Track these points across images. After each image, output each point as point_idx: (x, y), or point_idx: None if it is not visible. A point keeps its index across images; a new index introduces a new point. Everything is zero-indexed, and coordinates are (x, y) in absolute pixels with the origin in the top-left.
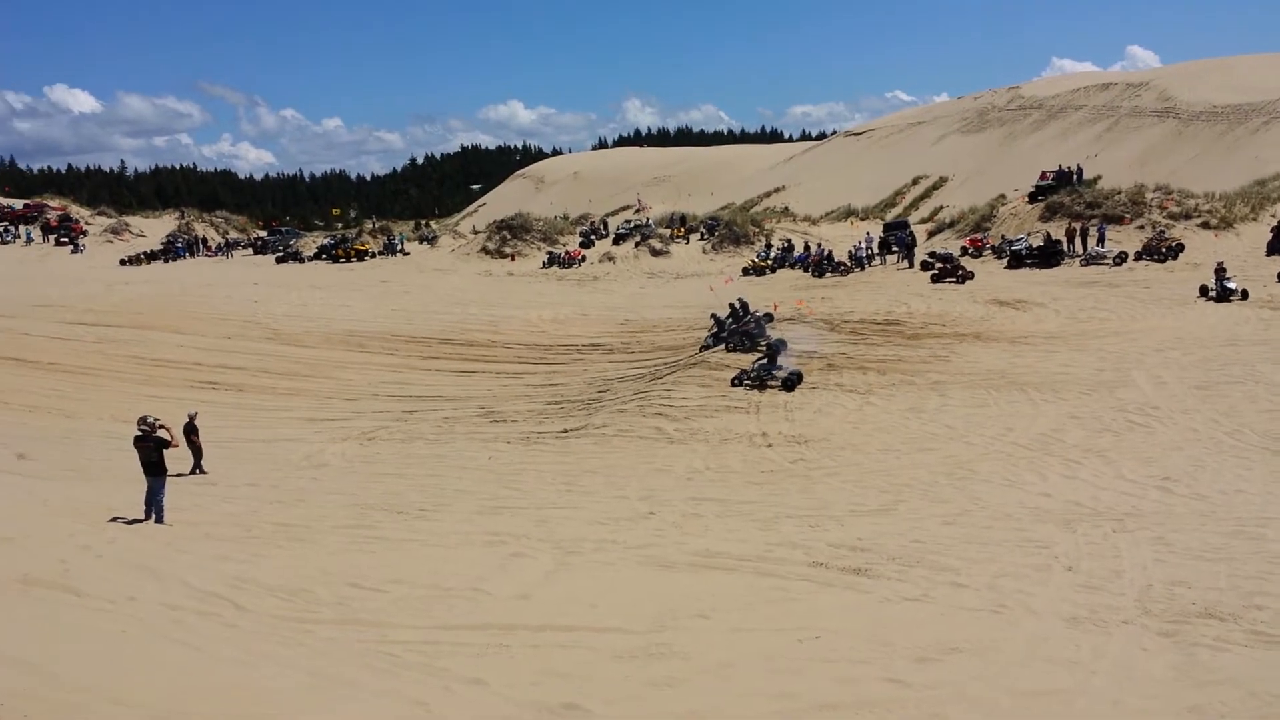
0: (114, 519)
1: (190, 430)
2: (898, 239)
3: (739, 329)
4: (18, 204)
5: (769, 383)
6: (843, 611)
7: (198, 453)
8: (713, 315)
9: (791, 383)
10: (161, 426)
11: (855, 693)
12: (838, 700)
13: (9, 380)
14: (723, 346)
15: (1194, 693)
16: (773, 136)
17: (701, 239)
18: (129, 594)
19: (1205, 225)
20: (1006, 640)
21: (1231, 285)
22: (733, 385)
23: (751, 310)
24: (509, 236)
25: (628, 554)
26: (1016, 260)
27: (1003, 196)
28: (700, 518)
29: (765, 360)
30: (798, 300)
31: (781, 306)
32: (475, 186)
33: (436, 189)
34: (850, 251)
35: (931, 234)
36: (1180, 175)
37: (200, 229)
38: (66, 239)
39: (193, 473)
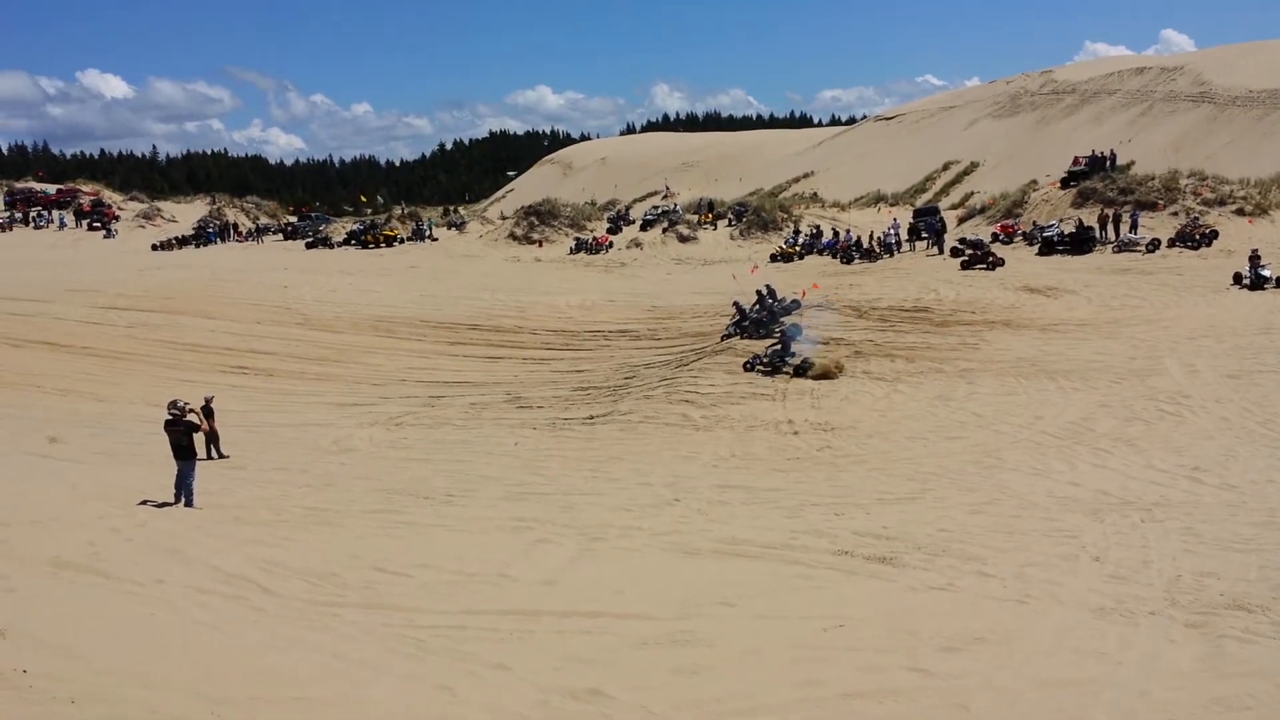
0: (143, 502)
1: (206, 414)
2: (928, 225)
3: (755, 317)
4: (51, 189)
5: (781, 368)
6: (868, 600)
7: (213, 438)
8: (735, 303)
9: (804, 369)
10: (191, 410)
11: (880, 681)
12: (862, 689)
13: (42, 364)
14: (742, 334)
15: (1221, 684)
16: (802, 121)
17: (729, 225)
18: (157, 577)
19: (1240, 212)
20: (1032, 630)
21: (1266, 273)
22: (745, 370)
23: (779, 297)
24: (536, 222)
25: (653, 541)
26: (1048, 247)
27: (1034, 182)
28: (726, 505)
29: (779, 346)
30: (812, 284)
31: (809, 293)
32: (510, 173)
33: (465, 175)
34: (879, 237)
35: (962, 220)
36: (1215, 161)
37: (231, 214)
38: (99, 224)
39: (209, 458)
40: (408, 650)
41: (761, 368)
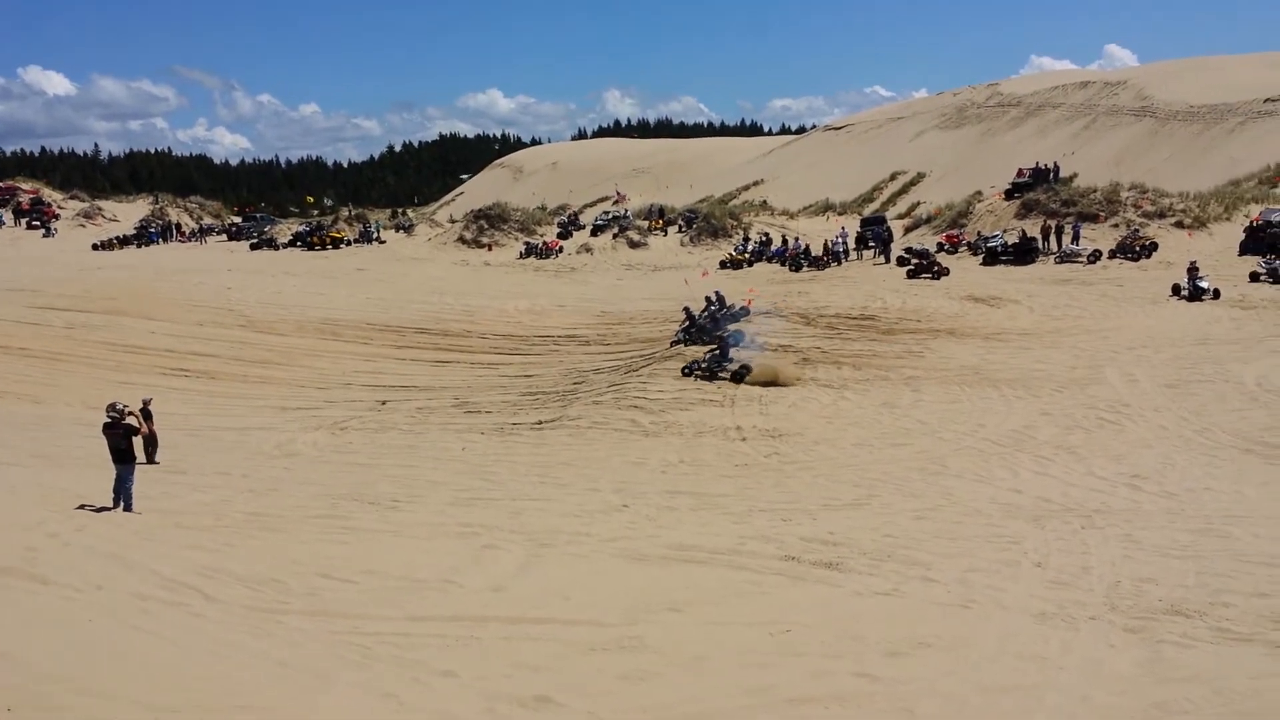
0: (82, 506)
1: (144, 417)
2: (874, 234)
3: (702, 324)
4: None
5: (719, 374)
6: (814, 605)
7: (151, 442)
8: (685, 309)
9: (741, 375)
10: (131, 414)
11: (827, 686)
12: (809, 694)
13: None
14: (689, 341)
15: (1160, 689)
16: (752, 129)
17: (680, 231)
18: (97, 583)
19: (1179, 224)
20: (976, 635)
21: (1204, 284)
22: (683, 375)
23: (728, 304)
24: (486, 226)
25: (601, 547)
26: (992, 257)
27: (979, 193)
28: (674, 511)
29: (717, 352)
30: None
31: (755, 301)
32: (464, 176)
33: (414, 177)
34: (826, 245)
35: (908, 229)
36: (1156, 174)
37: (174, 214)
38: (38, 222)
39: (147, 463)
40: (353, 657)
41: (699, 373)
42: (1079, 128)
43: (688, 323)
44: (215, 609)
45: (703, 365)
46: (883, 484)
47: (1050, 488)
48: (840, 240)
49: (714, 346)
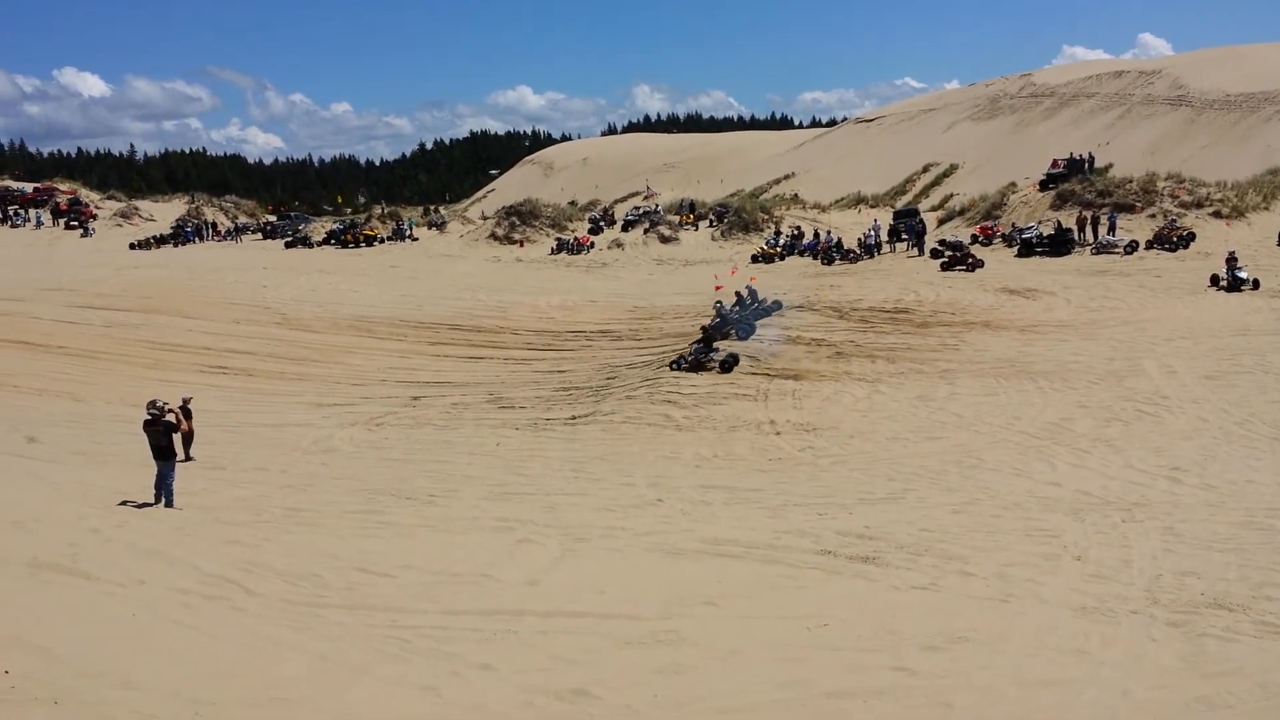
0: (123, 503)
1: (184, 415)
2: (908, 226)
3: (718, 321)
4: (28, 187)
5: (705, 365)
6: (851, 600)
7: (188, 439)
8: (717, 304)
9: (729, 364)
10: (170, 411)
11: (863, 681)
12: (846, 688)
13: (18, 364)
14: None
15: (1202, 683)
16: (783, 123)
17: (710, 226)
18: (138, 578)
19: (1217, 214)
20: (1015, 629)
21: (1243, 275)
22: (671, 369)
23: (760, 298)
24: (517, 223)
25: (636, 541)
26: (1027, 248)
27: (1014, 184)
28: (708, 505)
29: (701, 344)
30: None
31: (787, 294)
32: (493, 171)
33: (445, 174)
34: (860, 239)
35: (942, 222)
36: (1192, 164)
37: (209, 213)
38: (76, 223)
39: (185, 459)
40: (391, 651)
41: (686, 365)
42: (1114, 118)
43: (701, 344)
44: (255, 603)
45: (688, 358)
46: (919, 478)
47: (1089, 481)
48: (872, 233)
49: (699, 340)
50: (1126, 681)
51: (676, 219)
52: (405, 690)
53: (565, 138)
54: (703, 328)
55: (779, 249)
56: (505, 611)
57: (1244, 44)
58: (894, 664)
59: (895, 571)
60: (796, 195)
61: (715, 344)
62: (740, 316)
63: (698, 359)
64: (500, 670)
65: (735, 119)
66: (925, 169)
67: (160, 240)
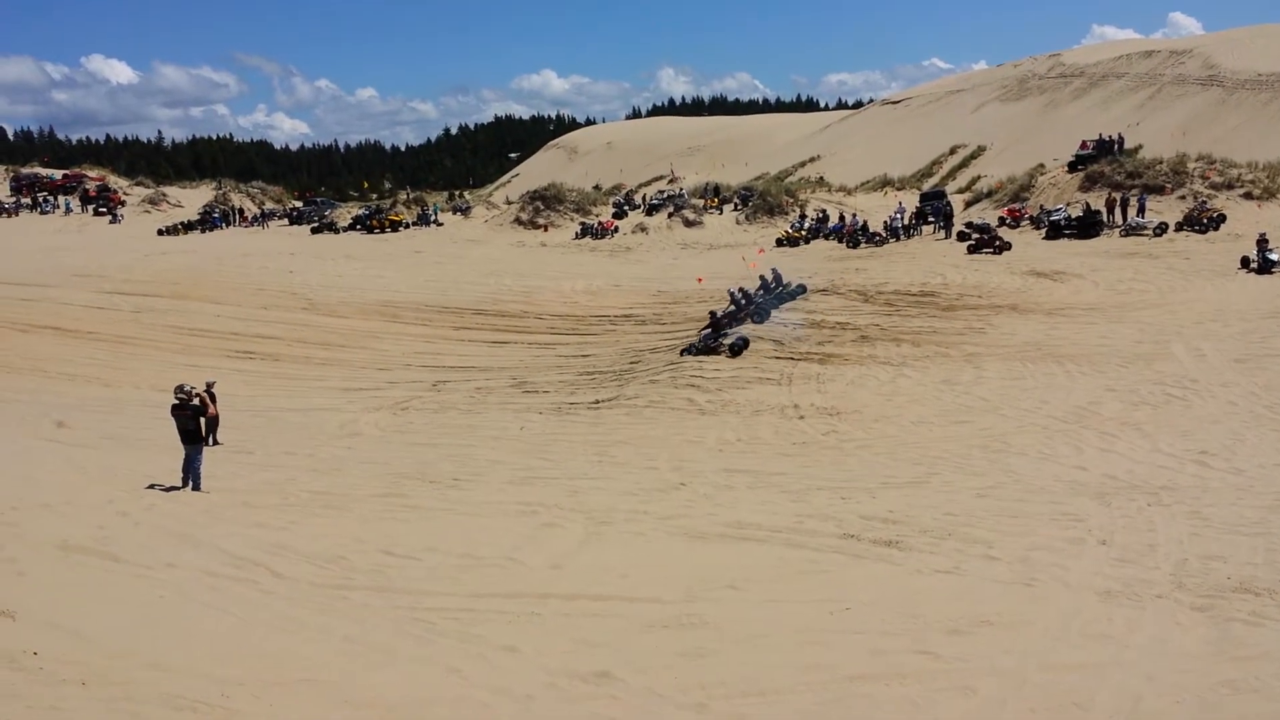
0: (151, 486)
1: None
2: (934, 209)
3: (747, 306)
4: (57, 174)
5: (716, 349)
6: (874, 583)
7: (213, 423)
8: (730, 290)
9: (738, 348)
10: (198, 395)
11: (886, 664)
12: (869, 671)
13: (48, 349)
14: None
15: (1229, 667)
16: (808, 105)
17: (735, 209)
18: (166, 560)
19: (1248, 196)
20: (1039, 614)
21: (1274, 257)
22: (681, 355)
23: (784, 282)
24: (542, 207)
25: (659, 525)
26: (1055, 231)
27: (1042, 166)
28: (731, 489)
29: (709, 330)
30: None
31: (816, 277)
32: (513, 155)
33: (470, 159)
34: (885, 222)
35: (969, 204)
36: (1223, 144)
37: (237, 199)
38: (105, 209)
39: (211, 444)
40: (417, 633)
41: (696, 350)
42: (1144, 98)
43: (734, 307)
44: (282, 585)
45: (698, 344)
46: (943, 462)
47: (1116, 465)
48: (898, 216)
49: (707, 325)
50: (1151, 666)
51: (701, 203)
52: (431, 672)
53: (589, 121)
54: (711, 313)
55: (804, 232)
56: (529, 595)
57: (1276, 23)
58: (917, 648)
59: (919, 555)
60: (822, 178)
61: (724, 329)
62: (759, 302)
63: (707, 344)
64: (524, 652)
65: (760, 102)
66: (952, 151)
67: (188, 226)
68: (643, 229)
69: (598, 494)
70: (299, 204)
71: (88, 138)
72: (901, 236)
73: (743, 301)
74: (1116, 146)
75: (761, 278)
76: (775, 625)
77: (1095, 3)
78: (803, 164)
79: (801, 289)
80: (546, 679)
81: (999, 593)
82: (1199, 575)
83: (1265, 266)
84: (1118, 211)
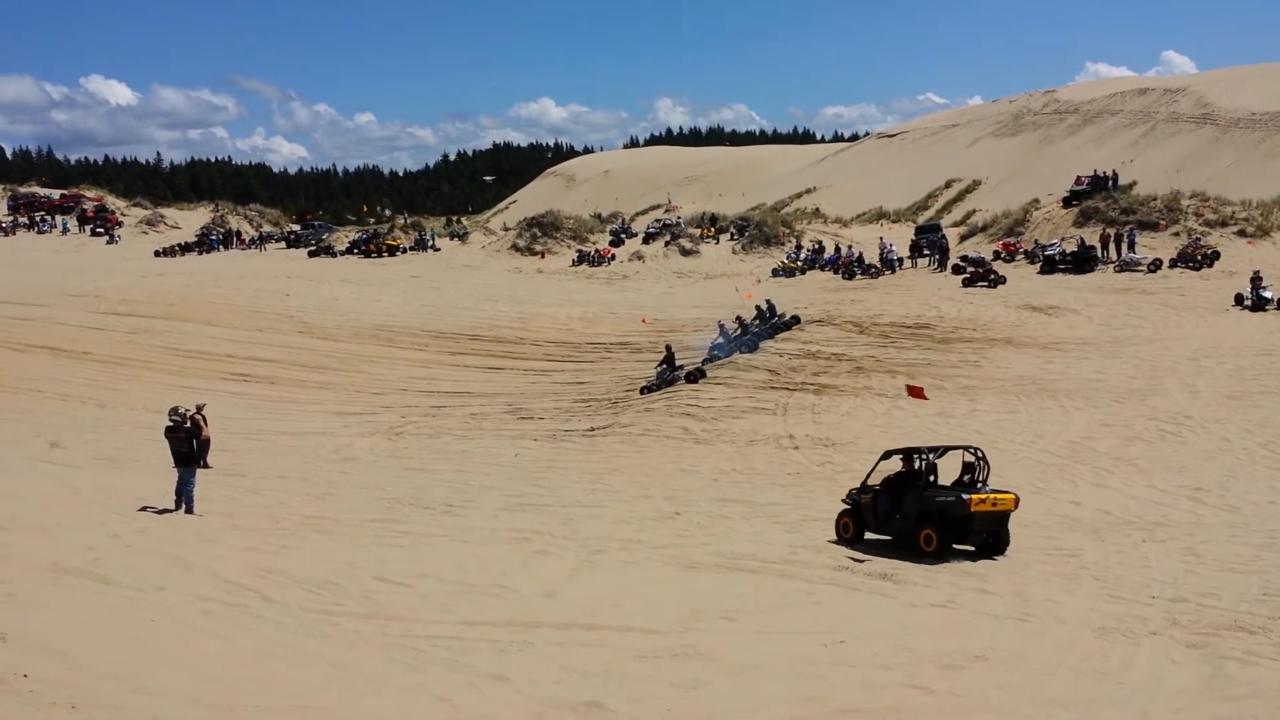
0: (144, 508)
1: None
2: (930, 242)
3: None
4: (54, 194)
5: (674, 380)
6: (868, 616)
7: (203, 446)
8: (719, 323)
9: (694, 376)
10: (192, 417)
11: (879, 698)
12: (861, 705)
13: (43, 369)
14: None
15: (1223, 705)
16: (804, 137)
17: (731, 239)
18: (158, 583)
19: (1241, 233)
20: (1033, 649)
21: (1268, 294)
22: (642, 393)
23: (779, 313)
24: (539, 234)
25: (653, 554)
26: (1050, 265)
27: (1037, 201)
28: (726, 519)
29: (664, 366)
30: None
31: (812, 308)
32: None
33: (468, 185)
34: (880, 254)
35: (964, 238)
36: (1217, 182)
37: (234, 222)
38: (102, 229)
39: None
40: (407, 660)
41: (656, 386)
42: (1138, 135)
43: (665, 364)
44: (273, 610)
45: (655, 382)
46: None
47: (1110, 500)
48: (889, 248)
49: (661, 362)
50: (1146, 703)
51: (697, 232)
52: (420, 700)
53: (587, 150)
54: (666, 346)
55: (800, 263)
56: (521, 623)
57: (1269, 63)
58: (910, 682)
59: (913, 589)
60: (818, 209)
61: (675, 364)
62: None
63: (664, 379)
64: (515, 681)
65: (757, 133)
66: (948, 184)
67: (185, 248)
68: (639, 257)
69: (591, 522)
70: (296, 227)
71: (86, 158)
72: (896, 268)
73: (767, 315)
74: (1111, 182)
75: (757, 307)
76: (768, 657)
77: (1089, 40)
78: (799, 195)
79: (796, 320)
80: (536, 709)
81: (993, 627)
82: (1194, 613)
83: (1259, 304)
84: (1112, 247)
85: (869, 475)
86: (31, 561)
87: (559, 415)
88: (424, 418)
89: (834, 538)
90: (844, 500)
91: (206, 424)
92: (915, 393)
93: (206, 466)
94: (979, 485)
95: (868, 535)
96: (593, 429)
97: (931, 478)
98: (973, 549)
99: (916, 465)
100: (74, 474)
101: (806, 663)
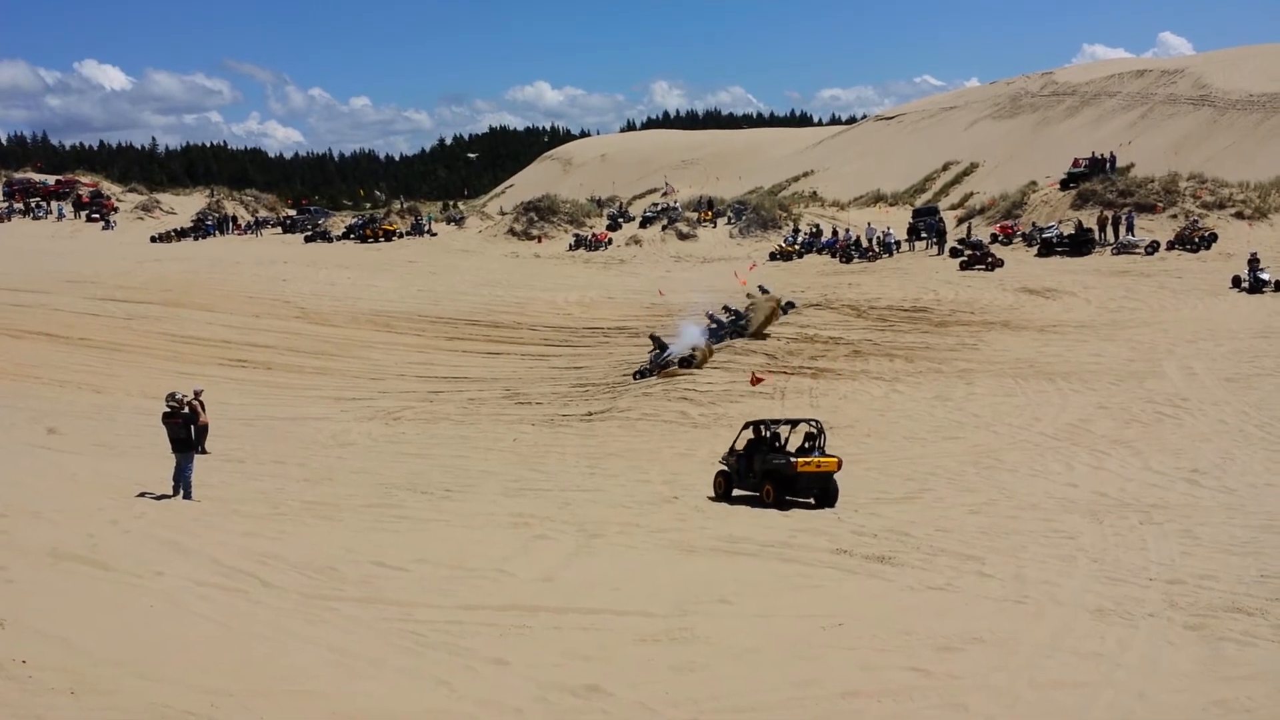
0: (142, 494)
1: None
2: (927, 225)
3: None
4: (50, 180)
5: (666, 367)
6: (866, 599)
7: (201, 431)
8: (708, 314)
9: (688, 361)
10: (189, 403)
11: (877, 681)
12: (860, 688)
13: (40, 355)
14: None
15: (1220, 687)
16: (801, 120)
17: (729, 223)
18: (156, 569)
19: (1239, 215)
20: (1030, 631)
21: (1265, 276)
22: (635, 379)
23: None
24: (536, 218)
25: (651, 538)
26: (1047, 248)
27: (1034, 183)
28: (723, 502)
29: (656, 351)
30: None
31: (809, 291)
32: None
33: (464, 169)
34: (878, 238)
35: (961, 220)
36: (1215, 164)
37: (230, 207)
38: (98, 215)
39: (201, 452)
40: (405, 644)
41: (648, 372)
42: (1135, 117)
43: (657, 350)
44: (271, 595)
45: (649, 367)
46: (935, 478)
47: (1107, 482)
48: (883, 232)
49: (655, 348)
50: (1143, 684)
51: (694, 216)
52: (419, 684)
53: (584, 134)
54: (651, 335)
55: (797, 247)
56: (519, 607)
57: (1267, 43)
58: (909, 664)
59: (911, 571)
60: (815, 193)
61: (666, 348)
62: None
63: (658, 364)
64: (514, 665)
65: (754, 116)
66: (945, 167)
67: (181, 233)
68: (636, 241)
69: (590, 506)
70: (292, 212)
71: (81, 143)
72: (894, 252)
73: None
74: (1109, 164)
75: (749, 295)
76: (767, 640)
77: (1086, 22)
78: (796, 179)
79: (790, 305)
80: (536, 692)
81: (991, 609)
82: (1191, 594)
83: (1256, 286)
84: (1110, 229)
85: (735, 441)
86: (30, 547)
87: (557, 400)
88: (421, 403)
89: (712, 495)
90: (720, 462)
91: (204, 409)
92: (755, 381)
93: (204, 452)
94: (817, 451)
95: (735, 491)
96: (590, 413)
97: (778, 444)
98: (811, 501)
99: (763, 434)
100: (72, 460)
101: (805, 645)
